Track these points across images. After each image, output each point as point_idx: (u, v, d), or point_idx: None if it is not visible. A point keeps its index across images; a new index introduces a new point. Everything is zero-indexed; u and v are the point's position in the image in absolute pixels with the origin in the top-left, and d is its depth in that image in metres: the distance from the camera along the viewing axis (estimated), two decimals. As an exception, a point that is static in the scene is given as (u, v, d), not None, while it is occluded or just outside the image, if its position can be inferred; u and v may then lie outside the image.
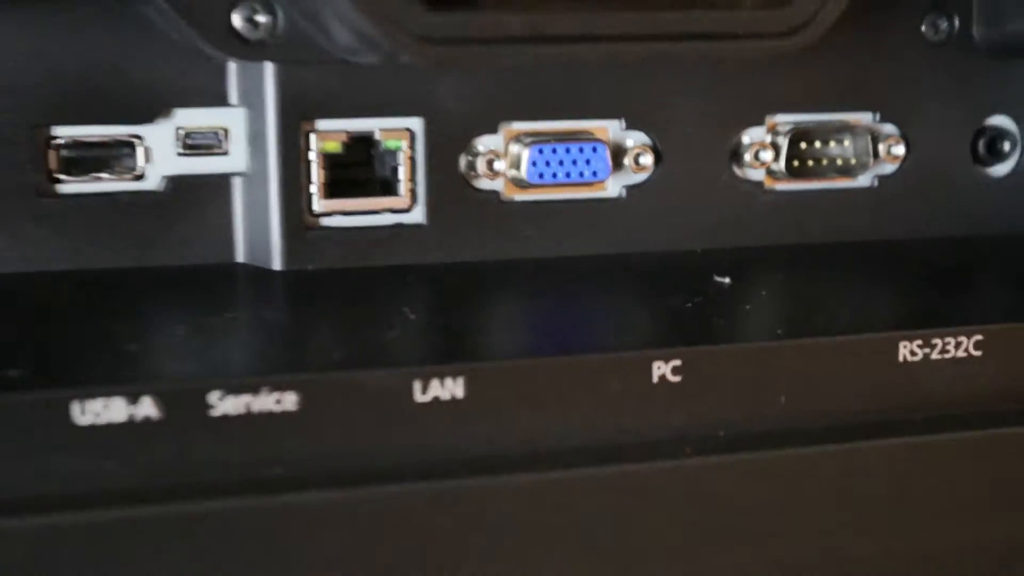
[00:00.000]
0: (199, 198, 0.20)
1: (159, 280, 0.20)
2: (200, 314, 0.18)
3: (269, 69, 0.19)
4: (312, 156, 0.19)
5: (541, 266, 0.21)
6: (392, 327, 0.17)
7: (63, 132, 0.19)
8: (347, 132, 0.20)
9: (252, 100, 0.19)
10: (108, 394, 0.14)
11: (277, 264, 0.20)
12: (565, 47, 0.16)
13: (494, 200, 0.20)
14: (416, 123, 0.20)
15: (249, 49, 0.18)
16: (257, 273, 0.20)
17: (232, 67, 0.20)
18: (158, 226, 0.20)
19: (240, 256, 0.20)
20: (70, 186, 0.20)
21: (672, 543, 0.16)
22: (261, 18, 0.18)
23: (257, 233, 0.20)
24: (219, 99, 0.20)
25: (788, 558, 0.17)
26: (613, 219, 0.21)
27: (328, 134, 0.19)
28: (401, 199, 0.20)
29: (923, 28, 0.22)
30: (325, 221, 0.20)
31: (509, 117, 0.20)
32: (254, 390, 0.15)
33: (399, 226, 0.20)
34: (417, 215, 0.20)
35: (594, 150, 0.20)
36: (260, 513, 0.14)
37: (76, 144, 0.19)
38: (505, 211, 0.20)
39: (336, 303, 0.19)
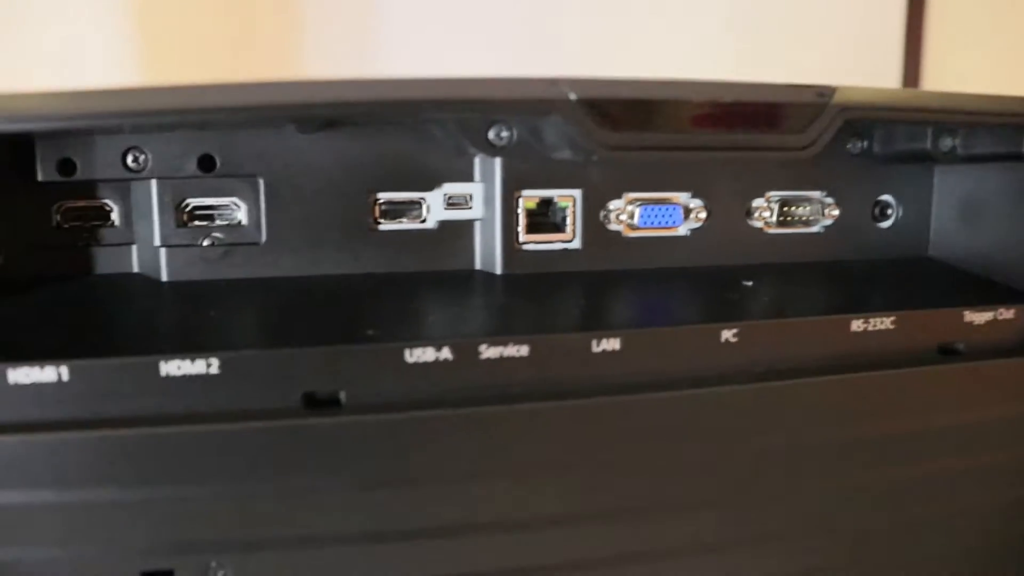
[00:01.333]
0: (456, 233, 0.35)
1: (435, 278, 0.33)
2: (467, 296, 0.33)
3: (499, 161, 0.34)
4: (519, 210, 0.34)
5: (645, 273, 0.35)
6: (578, 304, 0.32)
7: (383, 195, 0.34)
8: (539, 197, 0.34)
9: (487, 178, 0.34)
10: (437, 345, 0.28)
11: (499, 270, 0.34)
12: (687, 153, 0.29)
13: (618, 236, 0.35)
14: (577, 193, 0.35)
15: (495, 151, 0.32)
16: (488, 275, 0.34)
17: (476, 160, 0.34)
18: (433, 248, 0.34)
19: (478, 265, 0.35)
20: (385, 226, 0.34)
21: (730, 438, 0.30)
22: (504, 133, 0.32)
23: (487, 252, 0.34)
24: (467, 177, 0.34)
25: (802, 442, 0.31)
26: (682, 248, 0.36)
27: (528, 197, 0.34)
28: (567, 235, 0.35)
29: (848, 146, 0.36)
30: (526, 247, 0.34)
31: (628, 190, 0.35)
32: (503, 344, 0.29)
33: (566, 250, 0.35)
34: (576, 244, 0.35)
35: (674, 209, 0.36)
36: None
37: (389, 202, 0.34)
38: (624, 242, 0.35)
39: (538, 291, 0.33)
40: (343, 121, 0.30)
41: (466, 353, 0.28)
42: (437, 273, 0.34)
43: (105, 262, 0.33)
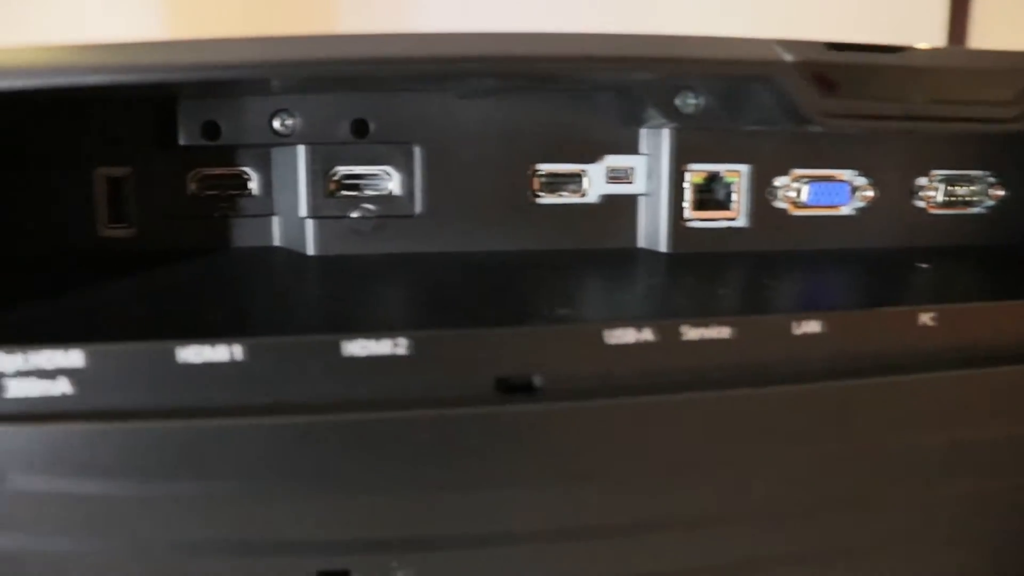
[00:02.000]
0: (617, 209, 0.32)
1: (599, 256, 0.31)
2: (642, 274, 0.30)
3: (667, 133, 0.32)
4: (686, 185, 0.32)
5: (815, 254, 0.33)
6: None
7: (542, 167, 0.32)
8: (706, 171, 0.32)
9: (653, 151, 0.32)
10: (638, 326, 0.26)
11: (664, 248, 0.32)
12: (893, 123, 0.27)
13: (783, 214, 0.33)
14: (744, 168, 0.32)
15: (681, 118, 0.29)
16: (653, 253, 0.32)
17: (642, 131, 0.32)
18: (594, 224, 0.32)
19: (641, 243, 0.33)
20: (544, 199, 0.32)
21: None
22: (691, 100, 0.30)
23: (651, 229, 0.32)
24: (632, 149, 0.32)
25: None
26: (847, 228, 0.34)
27: (696, 172, 0.32)
28: (732, 212, 0.33)
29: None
30: (691, 224, 0.32)
31: (795, 166, 0.33)
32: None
33: (729, 228, 0.33)
34: (741, 222, 0.33)
35: (841, 187, 0.34)
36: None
37: (550, 174, 0.32)
38: (790, 220, 0.33)
39: (712, 270, 0.31)
40: (530, 81, 0.28)
41: (668, 334, 0.26)
42: (599, 251, 0.31)
43: (243, 234, 0.31)
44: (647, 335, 0.26)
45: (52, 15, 0.66)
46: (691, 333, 0.26)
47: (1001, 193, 0.35)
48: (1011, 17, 0.83)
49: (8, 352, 0.23)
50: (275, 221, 0.30)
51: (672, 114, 0.29)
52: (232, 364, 0.24)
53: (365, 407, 0.24)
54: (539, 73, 0.26)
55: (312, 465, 0.24)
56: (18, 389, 0.23)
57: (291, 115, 0.29)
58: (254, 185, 0.30)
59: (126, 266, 0.29)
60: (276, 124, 0.29)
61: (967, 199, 0.35)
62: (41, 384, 0.24)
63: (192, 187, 0.30)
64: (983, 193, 0.35)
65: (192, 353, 0.24)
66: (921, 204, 0.34)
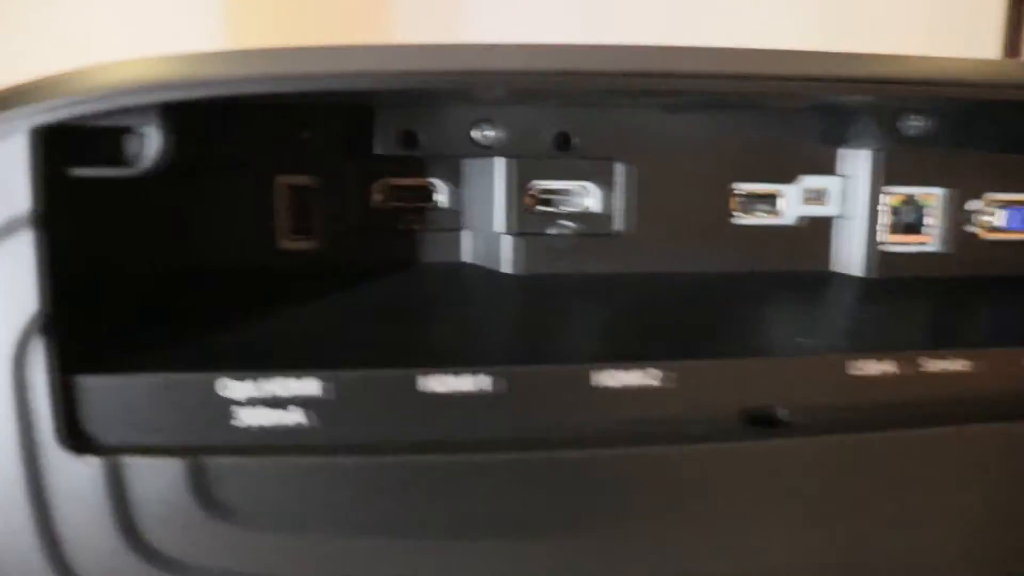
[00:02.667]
0: (812, 231, 0.31)
1: (800, 279, 0.30)
2: (854, 301, 0.29)
3: (867, 154, 0.31)
4: (883, 207, 0.31)
5: (1009, 278, 0.32)
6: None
7: (739, 187, 0.30)
8: (904, 194, 0.31)
9: (850, 172, 0.31)
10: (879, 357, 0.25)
11: (859, 272, 0.31)
12: None
13: (975, 238, 0.32)
14: (939, 192, 0.31)
15: (900, 140, 0.28)
16: (849, 279, 0.31)
17: (839, 152, 0.31)
18: (788, 246, 0.31)
19: (835, 267, 0.31)
20: (740, 220, 0.30)
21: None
22: (915, 122, 0.28)
23: (846, 252, 0.31)
24: (828, 171, 0.31)
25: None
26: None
27: (893, 195, 0.31)
28: (926, 236, 0.32)
29: None
30: (886, 248, 0.31)
31: (988, 190, 0.32)
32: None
33: (924, 253, 0.32)
34: (935, 246, 0.32)
35: (1036, 211, 0.33)
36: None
37: (747, 194, 0.30)
38: (983, 245, 0.32)
39: (920, 298, 0.30)
40: (756, 99, 0.27)
41: (908, 366, 0.25)
42: (795, 274, 0.30)
43: (429, 249, 0.29)
44: (889, 367, 0.25)
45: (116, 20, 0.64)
46: (930, 365, 0.25)
47: None
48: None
49: (238, 378, 0.22)
50: (465, 236, 0.29)
51: (891, 135, 0.28)
52: (484, 396, 0.22)
53: (618, 442, 0.23)
54: (784, 92, 0.24)
55: (568, 502, 0.23)
56: (248, 418, 0.22)
57: (492, 126, 0.27)
58: (441, 197, 0.29)
59: (313, 282, 0.28)
60: (476, 135, 0.27)
61: None
62: (274, 414, 0.22)
63: (377, 198, 0.29)
64: None
65: (438, 383, 0.22)
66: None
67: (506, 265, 0.28)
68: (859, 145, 0.30)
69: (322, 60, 0.22)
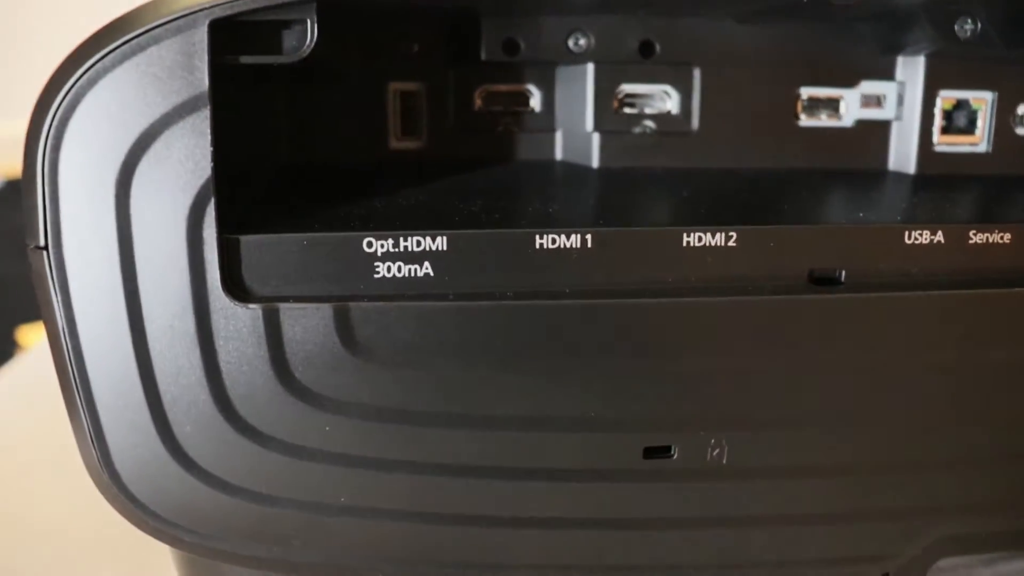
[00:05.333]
0: (870, 132, 0.34)
1: (851, 174, 0.33)
2: (908, 191, 0.32)
3: (922, 60, 0.34)
4: (936, 111, 0.34)
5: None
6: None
7: (804, 91, 0.34)
8: (956, 98, 0.34)
9: (908, 77, 0.34)
10: (933, 229, 0.28)
11: (912, 170, 0.34)
12: None
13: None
14: (989, 95, 0.34)
15: (952, 44, 0.31)
16: (901, 175, 0.34)
17: (898, 59, 0.34)
18: (848, 146, 0.34)
19: (891, 165, 0.34)
20: (805, 122, 0.34)
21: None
22: (968, 25, 0.31)
23: (902, 152, 0.34)
24: (886, 76, 0.34)
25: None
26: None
27: (946, 98, 0.34)
28: (976, 138, 0.35)
29: None
30: (939, 148, 0.34)
31: (1034, 94, 0.35)
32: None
33: (974, 154, 0.35)
34: (983, 147, 0.35)
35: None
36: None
37: (811, 98, 0.34)
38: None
39: (962, 188, 0.33)
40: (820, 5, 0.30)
41: (957, 237, 0.28)
42: (854, 171, 0.33)
43: (526, 148, 0.33)
44: (939, 236, 0.28)
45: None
46: (977, 237, 0.28)
47: None
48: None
49: (380, 236, 0.25)
50: (558, 136, 0.33)
51: (946, 39, 0.31)
52: (582, 251, 0.26)
53: (699, 292, 0.26)
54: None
55: (649, 344, 0.26)
56: (386, 270, 0.26)
57: (585, 35, 0.31)
58: (536, 102, 0.32)
59: (423, 174, 0.31)
60: (570, 43, 0.31)
61: None
62: (407, 266, 0.26)
63: (478, 103, 0.32)
64: None
65: (548, 240, 0.26)
66: None
67: (595, 161, 0.32)
68: (914, 52, 0.33)
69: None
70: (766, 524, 0.28)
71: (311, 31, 0.25)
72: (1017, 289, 0.28)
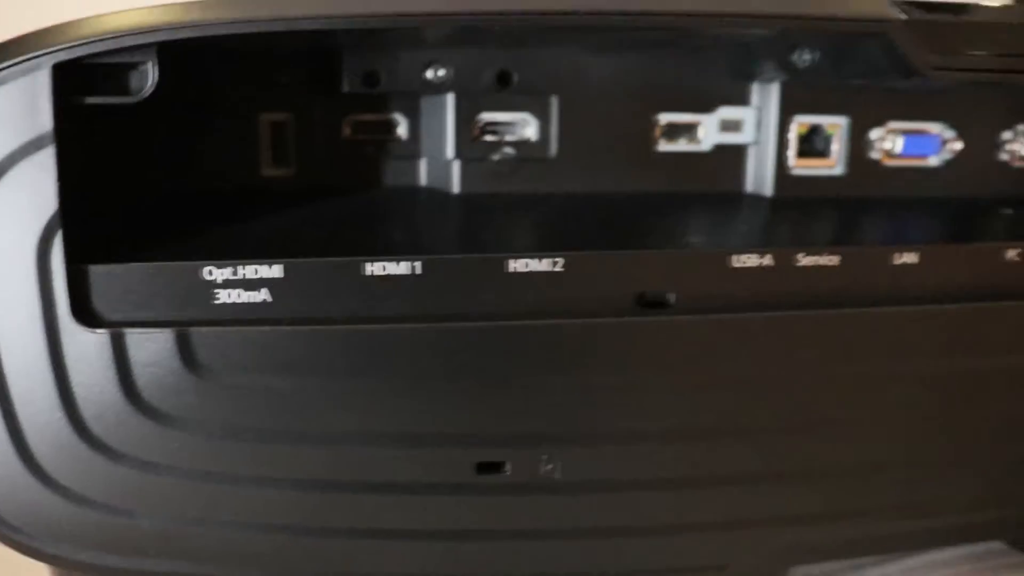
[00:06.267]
0: (728, 157, 0.36)
1: (713, 198, 0.35)
2: (760, 213, 0.34)
3: (776, 86, 0.35)
4: (791, 136, 0.35)
5: (907, 200, 0.36)
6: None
7: (663, 118, 0.35)
8: (810, 123, 0.35)
9: (762, 103, 0.35)
10: (761, 252, 0.30)
11: (769, 193, 0.35)
12: (995, 75, 0.30)
13: (878, 164, 0.36)
14: (843, 120, 0.36)
15: (792, 73, 0.33)
16: (758, 198, 0.35)
17: (753, 86, 0.35)
18: (707, 170, 0.35)
19: (748, 188, 0.36)
20: (663, 147, 0.35)
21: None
22: (806, 56, 0.32)
23: (759, 176, 0.35)
24: (742, 102, 0.35)
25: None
26: (935, 179, 0.36)
27: (801, 123, 0.35)
28: (831, 161, 0.36)
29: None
30: (794, 172, 0.35)
31: (890, 119, 0.36)
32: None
33: (829, 177, 0.36)
34: (838, 170, 0.36)
35: (932, 139, 0.36)
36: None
37: (669, 124, 0.35)
38: (883, 170, 0.36)
39: (816, 212, 0.34)
40: (655, 35, 0.31)
41: (785, 260, 0.29)
42: (711, 193, 0.35)
43: (391, 175, 0.34)
44: (767, 260, 0.29)
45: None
46: (805, 260, 0.29)
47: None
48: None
49: (220, 266, 0.27)
50: (421, 163, 0.34)
51: (786, 68, 0.32)
52: (411, 278, 0.27)
53: (523, 316, 0.27)
54: (673, 26, 0.29)
55: (475, 366, 0.27)
56: (226, 296, 0.27)
57: (443, 66, 0.32)
58: (402, 130, 0.34)
59: (291, 201, 0.33)
60: (429, 74, 0.32)
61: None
62: (246, 293, 0.27)
63: (347, 131, 0.34)
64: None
65: (378, 267, 0.27)
66: (1005, 157, 0.37)
67: (455, 187, 0.33)
68: (767, 79, 0.34)
69: (288, 6, 0.27)
70: (602, 536, 0.29)
71: (153, 73, 0.26)
72: (845, 310, 0.29)
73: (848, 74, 0.31)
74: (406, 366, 0.27)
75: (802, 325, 0.29)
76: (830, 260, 0.29)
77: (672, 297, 0.28)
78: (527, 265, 0.27)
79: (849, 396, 0.30)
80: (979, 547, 0.37)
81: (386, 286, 0.27)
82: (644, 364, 0.28)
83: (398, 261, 0.27)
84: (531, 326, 0.27)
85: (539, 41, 0.32)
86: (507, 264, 0.27)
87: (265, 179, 0.34)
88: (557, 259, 0.28)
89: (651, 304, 0.28)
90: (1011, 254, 0.31)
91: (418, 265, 0.27)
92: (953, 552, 0.37)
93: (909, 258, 0.30)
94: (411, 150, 0.34)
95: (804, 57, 0.32)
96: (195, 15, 0.27)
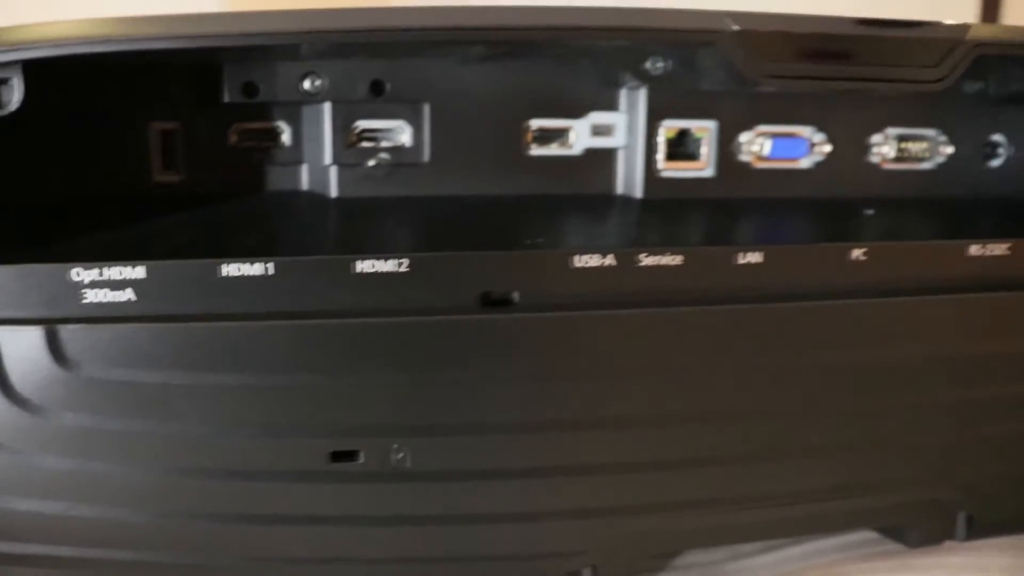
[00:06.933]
0: (599, 160, 0.37)
1: (582, 200, 0.36)
2: (618, 215, 0.35)
3: (643, 92, 0.36)
4: (660, 139, 0.37)
5: (773, 201, 0.37)
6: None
7: (534, 124, 0.36)
8: (678, 128, 0.37)
9: (631, 108, 0.37)
10: (603, 252, 0.31)
11: (638, 195, 0.37)
12: (832, 83, 0.31)
13: (748, 166, 0.38)
14: (711, 124, 0.37)
15: (649, 81, 0.34)
16: (628, 199, 0.37)
17: (621, 92, 0.37)
18: (578, 173, 0.37)
19: (619, 190, 0.37)
20: (535, 151, 0.37)
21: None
22: (659, 64, 0.34)
23: (629, 178, 0.37)
24: (612, 107, 0.37)
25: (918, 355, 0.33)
26: (805, 180, 0.38)
27: (669, 128, 0.37)
28: (701, 163, 0.37)
29: (963, 86, 0.39)
30: (664, 174, 0.37)
31: (758, 123, 0.38)
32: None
33: (700, 178, 0.37)
34: (709, 172, 0.37)
35: (800, 142, 0.38)
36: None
37: (540, 129, 0.36)
38: (752, 172, 0.38)
39: (678, 213, 0.36)
40: (510, 48, 0.33)
41: (627, 260, 0.30)
42: (582, 196, 0.36)
43: (276, 180, 0.36)
44: (609, 260, 0.30)
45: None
46: (648, 260, 0.31)
47: (950, 151, 0.39)
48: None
49: (87, 267, 0.29)
50: (303, 169, 0.36)
51: (643, 76, 0.33)
52: (264, 278, 0.29)
53: (371, 314, 0.29)
54: (518, 40, 0.31)
55: (326, 362, 0.29)
56: (93, 296, 0.29)
57: (319, 77, 0.34)
58: (286, 138, 0.35)
59: (176, 205, 0.35)
60: (306, 84, 0.34)
61: (918, 156, 0.39)
62: (111, 293, 0.29)
63: (233, 139, 0.35)
64: (933, 151, 0.39)
65: (233, 269, 0.29)
66: (875, 159, 0.38)
67: (333, 191, 0.35)
68: (633, 87, 0.35)
69: (163, 25, 0.29)
70: (454, 522, 0.31)
71: (19, 88, 0.28)
72: (686, 308, 0.31)
73: (700, 82, 0.32)
74: (263, 361, 0.29)
75: (643, 323, 0.30)
76: (673, 260, 0.31)
77: (516, 296, 0.30)
78: (373, 266, 0.29)
79: (693, 389, 0.31)
80: (854, 536, 0.38)
81: (242, 286, 0.29)
82: (488, 360, 0.30)
83: (252, 262, 0.29)
84: (376, 324, 0.29)
85: (410, 52, 0.34)
86: (354, 265, 0.29)
87: (157, 185, 0.35)
88: (402, 260, 0.29)
89: (495, 303, 0.30)
90: (856, 254, 0.32)
91: (271, 266, 0.29)
92: (828, 542, 0.38)
93: (753, 258, 0.31)
94: (294, 156, 0.35)
95: (657, 66, 0.33)
96: (65, 32, 0.29)
